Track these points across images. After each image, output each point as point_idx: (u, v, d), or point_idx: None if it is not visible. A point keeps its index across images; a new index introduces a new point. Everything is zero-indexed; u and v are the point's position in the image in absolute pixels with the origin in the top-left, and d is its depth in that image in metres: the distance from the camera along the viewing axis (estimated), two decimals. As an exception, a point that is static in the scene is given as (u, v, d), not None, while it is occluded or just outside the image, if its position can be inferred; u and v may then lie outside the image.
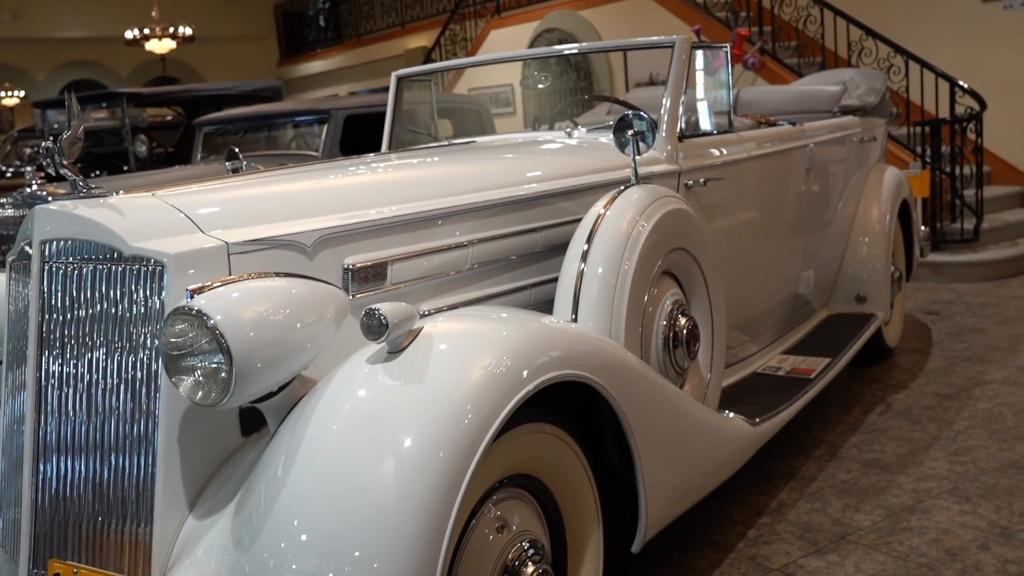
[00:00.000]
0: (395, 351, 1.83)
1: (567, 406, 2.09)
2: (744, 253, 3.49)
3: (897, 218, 4.60)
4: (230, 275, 1.91)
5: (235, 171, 3.11)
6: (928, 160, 6.89)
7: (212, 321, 1.69)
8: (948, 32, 8.03)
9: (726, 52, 3.45)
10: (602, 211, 2.48)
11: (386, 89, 3.98)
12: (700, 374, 2.85)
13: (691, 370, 2.78)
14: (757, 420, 2.88)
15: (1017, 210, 7.62)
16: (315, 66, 19.36)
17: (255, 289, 1.81)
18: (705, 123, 3.48)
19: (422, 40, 15.44)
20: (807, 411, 3.42)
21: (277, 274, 1.90)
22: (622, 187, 2.58)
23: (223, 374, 1.72)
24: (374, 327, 1.78)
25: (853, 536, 2.82)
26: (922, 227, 5.15)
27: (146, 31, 16.96)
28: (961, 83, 6.89)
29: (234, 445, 2.00)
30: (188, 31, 17.18)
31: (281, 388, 1.85)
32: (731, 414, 2.84)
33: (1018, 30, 7.69)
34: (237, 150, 3.19)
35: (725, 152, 3.33)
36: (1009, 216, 7.33)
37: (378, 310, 1.77)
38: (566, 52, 3.68)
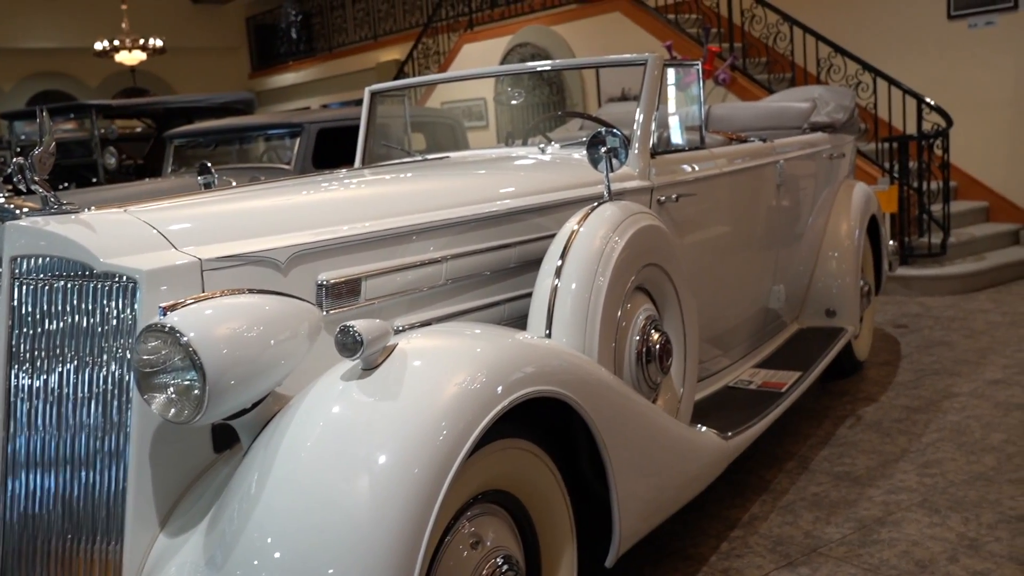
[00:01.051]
0: (369, 368, 1.83)
1: (541, 421, 2.10)
2: (716, 268, 3.52)
3: (866, 233, 4.66)
4: (203, 292, 1.91)
5: (207, 185, 3.10)
6: (896, 176, 6.98)
7: (185, 338, 1.68)
8: (915, 50, 8.16)
9: (697, 69, 3.48)
10: (575, 227, 2.49)
11: (358, 102, 3.98)
12: (673, 388, 2.87)
13: (664, 385, 2.80)
14: (729, 434, 2.90)
15: (983, 225, 7.74)
16: (287, 78, 19.30)
17: (228, 306, 1.80)
18: (677, 139, 3.52)
19: (395, 53, 15.45)
20: (778, 424, 3.45)
21: (251, 290, 1.90)
22: (595, 203, 2.59)
23: (196, 391, 1.71)
24: (349, 344, 1.78)
25: (824, 549, 2.84)
26: (890, 242, 5.21)
27: (116, 42, 16.83)
28: (928, 100, 7.00)
29: (206, 462, 1.98)
30: (158, 43, 17.06)
31: (255, 405, 1.85)
32: (703, 428, 2.86)
33: (983, 48, 7.83)
34: (209, 164, 3.17)
35: (697, 168, 3.36)
36: (975, 231, 7.45)
37: (353, 327, 1.77)
38: (539, 68, 3.70)
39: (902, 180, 6.92)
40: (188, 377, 1.72)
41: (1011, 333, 5.33)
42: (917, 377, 4.56)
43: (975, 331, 5.44)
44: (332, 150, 5.77)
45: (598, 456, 2.15)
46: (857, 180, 5.03)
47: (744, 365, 3.79)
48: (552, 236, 2.55)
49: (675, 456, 2.53)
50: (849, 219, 4.54)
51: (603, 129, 2.64)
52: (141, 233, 1.98)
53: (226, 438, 1.99)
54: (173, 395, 1.74)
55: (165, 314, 1.73)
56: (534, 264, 2.56)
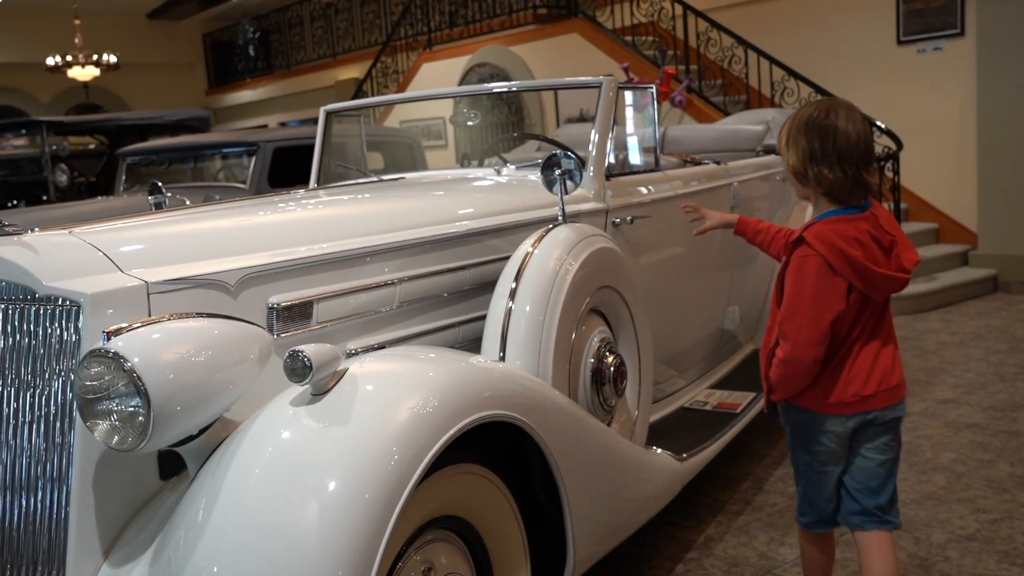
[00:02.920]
0: (320, 393, 1.80)
1: (494, 444, 2.08)
2: (671, 290, 3.53)
3: (818, 254, 4.71)
4: (150, 316, 1.87)
5: (158, 205, 3.05)
6: (848, 197, 7.08)
7: (129, 364, 1.65)
8: (866, 74, 8.31)
9: (652, 92, 3.51)
10: (530, 249, 2.49)
11: (317, 121, 3.95)
12: (628, 411, 2.87)
13: (619, 407, 2.79)
14: (684, 455, 2.91)
15: (933, 246, 7.87)
16: (244, 95, 19.16)
17: (175, 330, 1.77)
18: (633, 161, 3.53)
19: (353, 72, 15.42)
20: (733, 445, 3.46)
21: (199, 314, 1.87)
22: (550, 226, 2.59)
23: (140, 418, 1.67)
24: (298, 369, 1.75)
25: (779, 570, 2.85)
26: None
27: (68, 58, 16.58)
28: (879, 123, 7.12)
29: (152, 489, 1.94)
30: (112, 58, 16.82)
31: (202, 431, 1.81)
32: (659, 450, 2.86)
33: (931, 73, 7.99)
34: (160, 184, 3.13)
35: (652, 190, 3.38)
36: (926, 252, 7.56)
37: (302, 352, 1.74)
38: (496, 90, 3.71)
39: (854, 202, 7.02)
40: (132, 403, 1.68)
41: (960, 353, 5.42)
42: (869, 397, 4.60)
43: (925, 351, 5.52)
44: (289, 169, 5.72)
45: (552, 480, 2.13)
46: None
47: (699, 386, 3.81)
48: (507, 258, 2.54)
49: (630, 479, 2.53)
50: (802, 241, 4.58)
51: (557, 151, 2.64)
52: (86, 255, 1.94)
53: (173, 465, 1.95)
54: (117, 422, 1.70)
55: (109, 339, 1.69)
56: (489, 286, 2.55)
